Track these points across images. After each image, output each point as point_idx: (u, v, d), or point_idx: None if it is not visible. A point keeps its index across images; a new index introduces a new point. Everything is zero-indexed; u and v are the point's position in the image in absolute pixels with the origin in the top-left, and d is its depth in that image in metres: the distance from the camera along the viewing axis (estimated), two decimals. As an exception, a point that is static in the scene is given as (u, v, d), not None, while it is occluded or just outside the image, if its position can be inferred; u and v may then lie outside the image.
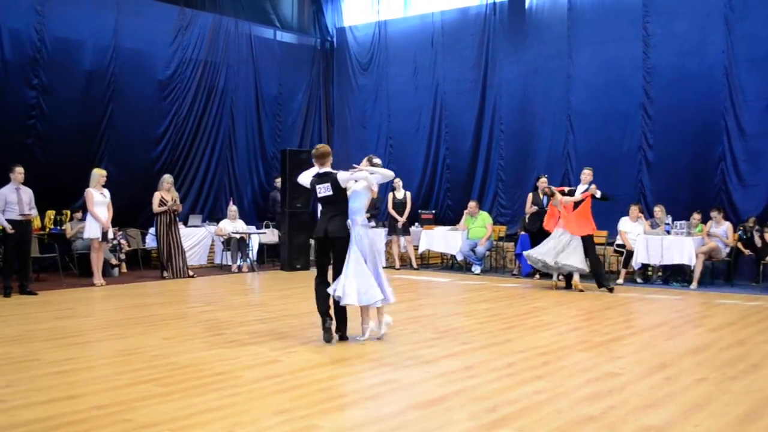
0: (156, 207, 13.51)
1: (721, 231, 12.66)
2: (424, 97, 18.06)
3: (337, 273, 7.74)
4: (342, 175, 7.70)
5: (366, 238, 7.75)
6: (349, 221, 7.75)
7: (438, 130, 17.88)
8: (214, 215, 16.77)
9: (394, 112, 18.64)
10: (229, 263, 15.23)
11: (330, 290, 7.67)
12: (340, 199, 7.76)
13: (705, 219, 12.99)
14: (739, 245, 12.89)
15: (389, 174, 8.05)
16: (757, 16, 13.58)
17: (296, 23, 19.55)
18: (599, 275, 12.05)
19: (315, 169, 7.94)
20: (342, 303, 7.63)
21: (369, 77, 19.19)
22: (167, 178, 13.83)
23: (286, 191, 15.26)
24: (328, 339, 7.61)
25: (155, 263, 14.66)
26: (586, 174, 12.42)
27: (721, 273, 13.39)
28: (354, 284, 7.54)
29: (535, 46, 16.27)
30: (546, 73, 16.10)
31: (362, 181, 7.80)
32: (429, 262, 16.58)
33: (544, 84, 16.15)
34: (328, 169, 7.85)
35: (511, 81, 16.67)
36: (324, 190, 7.76)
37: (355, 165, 7.95)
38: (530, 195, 13.92)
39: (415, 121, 18.22)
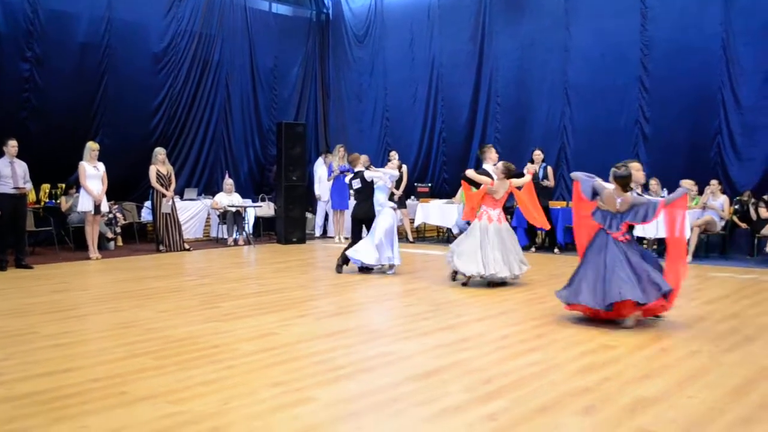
0: (153, 181, 13.50)
1: (718, 203, 12.67)
2: (420, 70, 17.97)
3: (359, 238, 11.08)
4: (366, 174, 11.04)
5: (391, 217, 10.82)
6: (378, 206, 10.88)
7: (434, 103, 17.81)
8: (210, 188, 16.73)
9: (390, 84, 18.55)
10: (225, 236, 15.24)
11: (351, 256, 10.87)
12: (366, 190, 11.04)
13: (700, 191, 13.01)
14: (735, 219, 12.92)
15: (395, 173, 11.21)
16: (755, -12, 13.51)
17: (292, -5, 19.40)
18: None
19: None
20: (362, 264, 10.82)
21: (365, 50, 19.07)
22: (160, 151, 13.80)
23: (282, 164, 15.23)
24: (339, 271, 11.03)
25: (151, 237, 14.65)
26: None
27: (716, 246, 13.41)
28: (374, 249, 10.67)
29: (533, 19, 16.15)
30: (543, 45, 16.00)
31: (382, 179, 10.89)
32: (425, 235, 16.60)
33: (541, 57, 16.05)
34: (359, 168, 11.30)
35: (508, 54, 16.57)
36: (356, 184, 11.20)
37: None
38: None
39: (411, 94, 18.14)
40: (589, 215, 7.46)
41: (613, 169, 7.28)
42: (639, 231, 12.85)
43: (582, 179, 7.51)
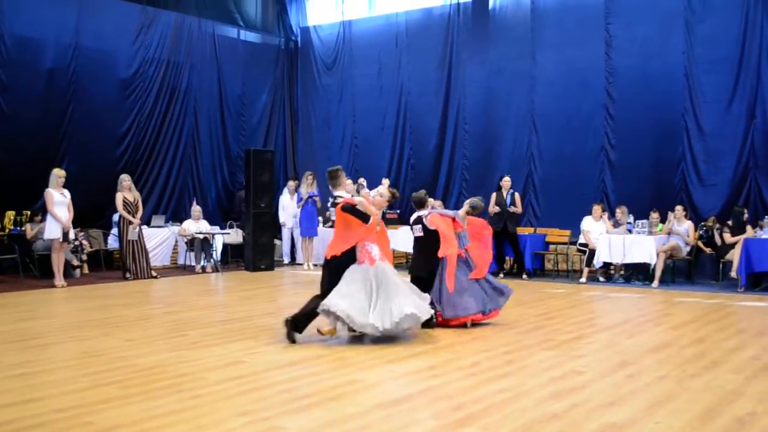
0: (120, 208, 13.38)
1: (683, 229, 12.82)
2: (388, 98, 18.07)
3: None
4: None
5: None
6: None
7: (402, 131, 17.90)
8: (178, 215, 16.62)
9: (359, 112, 18.61)
10: (193, 264, 15.12)
11: None
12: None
13: (663, 218, 13.17)
14: (700, 244, 13.08)
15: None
16: (716, 18, 13.79)
17: (260, 22, 19.44)
18: None
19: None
20: None
21: (333, 77, 19.15)
22: (125, 178, 13.70)
23: (250, 191, 15.18)
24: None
25: (117, 264, 14.49)
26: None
27: (681, 271, 13.57)
28: None
29: (499, 47, 16.34)
30: (509, 74, 16.18)
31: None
32: (394, 261, 16.55)
33: (508, 85, 16.23)
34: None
35: (475, 82, 16.73)
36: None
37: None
38: (494, 195, 13.96)
39: (379, 122, 18.22)
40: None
41: (476, 200, 9.22)
42: (605, 256, 12.99)
43: (448, 213, 9.18)
